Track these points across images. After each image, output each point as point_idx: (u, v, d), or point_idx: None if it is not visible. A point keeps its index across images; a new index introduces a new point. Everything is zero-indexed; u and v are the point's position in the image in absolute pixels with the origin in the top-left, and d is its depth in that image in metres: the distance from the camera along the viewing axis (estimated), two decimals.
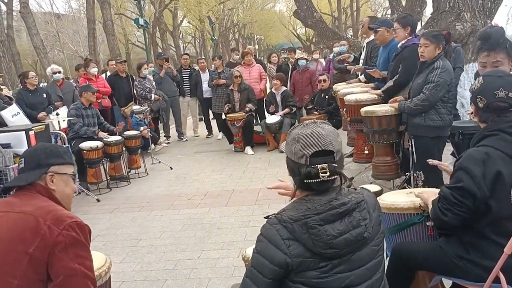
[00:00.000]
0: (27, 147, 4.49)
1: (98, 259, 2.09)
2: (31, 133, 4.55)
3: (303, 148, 1.50)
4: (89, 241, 1.71)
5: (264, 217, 1.59)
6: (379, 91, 4.49)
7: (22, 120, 6.13)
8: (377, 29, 4.72)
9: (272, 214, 1.55)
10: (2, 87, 7.45)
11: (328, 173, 1.47)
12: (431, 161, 2.53)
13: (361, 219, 1.51)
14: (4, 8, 20.54)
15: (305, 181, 1.50)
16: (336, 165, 1.51)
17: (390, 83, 4.38)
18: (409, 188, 4.18)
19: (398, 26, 4.24)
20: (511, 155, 1.95)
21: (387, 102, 4.38)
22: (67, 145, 5.22)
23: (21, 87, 7.02)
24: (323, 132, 1.51)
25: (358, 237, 1.49)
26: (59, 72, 7.52)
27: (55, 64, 9.21)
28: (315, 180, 1.48)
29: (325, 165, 1.47)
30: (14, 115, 6.15)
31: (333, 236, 1.46)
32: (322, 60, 9.38)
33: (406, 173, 4.37)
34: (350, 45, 13.12)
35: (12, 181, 1.90)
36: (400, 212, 2.37)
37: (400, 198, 2.46)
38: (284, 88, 7.84)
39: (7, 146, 4.34)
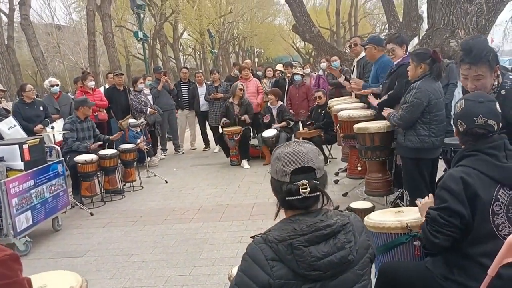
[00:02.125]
0: (20, 161, 4.50)
1: (72, 281, 2.06)
2: (25, 146, 4.56)
3: (284, 165, 1.52)
4: (21, 272, 1.50)
5: (251, 237, 1.60)
6: (375, 101, 4.50)
7: (18, 132, 6.16)
8: (366, 46, 4.78)
9: (258, 234, 1.56)
10: (1, 99, 7.49)
11: (308, 189, 1.48)
12: (418, 202, 2.44)
13: (346, 241, 1.51)
14: (5, 19, 20.71)
15: (287, 198, 1.51)
16: (318, 182, 1.52)
17: (384, 97, 4.41)
18: (402, 204, 4.19)
19: (395, 46, 4.27)
20: (489, 175, 1.98)
21: (380, 117, 4.41)
22: (61, 158, 5.22)
23: (18, 99, 7.06)
24: (303, 149, 1.54)
25: (342, 260, 1.49)
26: (57, 85, 7.56)
27: (55, 76, 9.28)
28: (296, 197, 1.49)
29: (305, 181, 1.49)
30: (10, 127, 6.18)
31: (317, 258, 1.45)
32: (315, 74, 9.43)
33: (399, 190, 4.38)
34: (348, 60, 13.23)
35: None
36: (387, 232, 2.38)
37: (388, 217, 2.46)
38: (280, 102, 7.88)
39: (0, 159, 4.35)
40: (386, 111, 4.06)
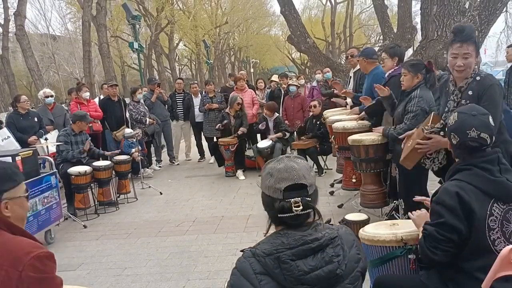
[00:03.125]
0: None
1: None
2: (18, 158, 4.52)
3: (277, 182, 1.51)
4: (54, 270, 1.61)
5: (240, 250, 1.58)
6: (361, 113, 4.54)
7: (12, 144, 6.12)
8: (358, 59, 4.83)
9: (247, 248, 1.54)
10: None
11: (301, 207, 1.48)
12: (416, 198, 2.54)
13: (334, 255, 1.50)
14: (0, 30, 20.70)
15: (279, 215, 1.50)
16: (310, 199, 1.52)
17: (372, 102, 4.45)
18: (398, 216, 4.18)
19: (386, 56, 4.33)
20: (484, 189, 1.99)
21: (373, 124, 4.43)
22: (54, 170, 5.17)
23: (13, 110, 7.03)
24: (296, 166, 1.54)
25: (330, 274, 1.47)
26: (51, 96, 7.55)
27: (50, 86, 9.26)
28: (289, 215, 1.48)
29: (298, 199, 1.48)
30: (4, 139, 6.14)
31: (305, 272, 1.44)
32: (309, 85, 9.48)
33: (394, 201, 4.37)
34: (343, 71, 13.31)
35: None
36: (382, 245, 2.36)
37: (382, 230, 2.45)
38: (276, 114, 7.90)
39: None
40: (378, 129, 4.10)
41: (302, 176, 1.52)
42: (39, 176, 4.78)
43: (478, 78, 2.76)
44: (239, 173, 7.59)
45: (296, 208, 1.48)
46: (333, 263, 1.48)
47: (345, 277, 1.51)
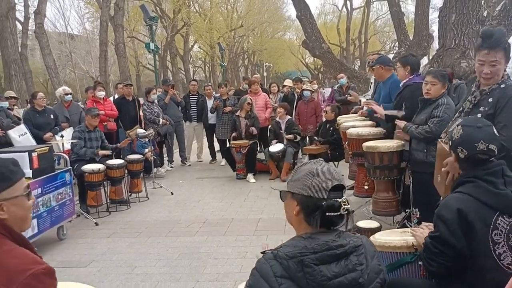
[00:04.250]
0: (29, 169, 4.52)
1: None
2: (34, 154, 4.58)
3: (323, 181, 1.53)
4: (54, 284, 1.49)
5: (261, 252, 1.58)
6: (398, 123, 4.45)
7: (28, 140, 6.21)
8: (373, 67, 4.80)
9: (269, 249, 1.54)
10: (13, 106, 7.59)
11: (348, 206, 1.52)
12: (410, 230, 2.42)
13: (358, 263, 1.49)
14: (19, 27, 21.06)
15: (327, 214, 1.51)
16: None
17: (396, 112, 4.38)
18: (409, 225, 4.14)
19: (399, 65, 4.31)
20: (488, 202, 1.95)
21: (391, 135, 4.38)
22: (69, 167, 5.24)
23: (30, 107, 7.14)
24: (335, 169, 1.61)
25: (353, 282, 1.46)
26: (70, 93, 7.66)
27: (66, 84, 9.40)
28: (336, 214, 1.51)
29: (345, 199, 1.53)
30: (21, 135, 6.23)
31: (328, 278, 1.43)
32: (323, 90, 9.46)
33: (407, 210, 4.33)
34: (357, 77, 13.27)
35: None
36: (392, 251, 2.34)
37: (394, 236, 2.43)
38: (288, 117, 7.89)
39: None
40: (401, 123, 4.01)
41: (342, 179, 1.59)
42: (54, 173, 4.84)
43: (503, 85, 2.68)
44: (250, 176, 7.59)
45: (345, 207, 1.51)
46: (356, 271, 1.48)
47: (366, 287, 1.50)
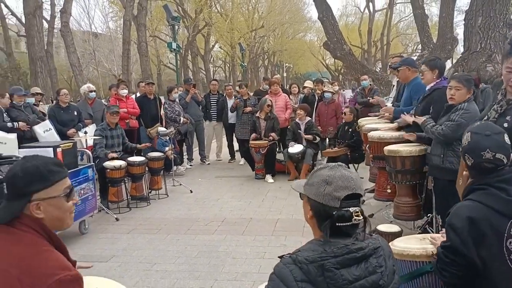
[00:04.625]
0: None
1: None
2: (59, 150, 4.67)
3: (335, 190, 1.49)
4: None
5: (278, 256, 1.57)
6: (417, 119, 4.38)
7: (53, 136, 6.34)
8: (399, 68, 4.72)
9: (286, 254, 1.54)
10: (39, 102, 7.76)
11: (361, 217, 1.48)
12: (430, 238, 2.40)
13: (378, 265, 1.48)
14: (46, 25, 21.51)
15: (337, 224, 1.48)
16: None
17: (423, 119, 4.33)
18: (431, 230, 4.08)
19: (426, 68, 4.22)
20: (500, 210, 1.90)
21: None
22: (92, 163, 5.33)
23: (54, 103, 7.29)
24: (352, 175, 1.54)
25: (374, 285, 1.45)
26: (94, 91, 7.80)
27: (89, 82, 9.58)
28: (347, 224, 1.48)
29: (357, 209, 1.49)
30: (46, 130, 6.37)
31: (349, 281, 1.42)
32: (344, 92, 9.39)
33: (428, 215, 4.26)
34: (378, 79, 13.13)
35: None
36: (412, 260, 2.30)
37: (413, 244, 2.38)
38: (308, 118, 7.85)
39: None
40: (419, 119, 3.96)
41: (359, 187, 1.53)
42: (77, 168, 4.93)
43: None
44: (268, 176, 7.59)
45: (357, 218, 1.47)
46: (377, 274, 1.47)
47: None
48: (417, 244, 2.34)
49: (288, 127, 8.09)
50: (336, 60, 33.57)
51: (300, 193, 1.65)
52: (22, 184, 1.49)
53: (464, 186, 2.73)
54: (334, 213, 1.48)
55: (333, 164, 1.60)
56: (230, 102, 9.00)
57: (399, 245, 2.38)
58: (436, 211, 3.95)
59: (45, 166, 1.53)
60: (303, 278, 1.43)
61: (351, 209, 1.48)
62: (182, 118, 8.13)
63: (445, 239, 2.23)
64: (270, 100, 7.88)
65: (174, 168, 7.45)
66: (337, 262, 1.43)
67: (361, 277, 1.44)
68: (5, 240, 1.47)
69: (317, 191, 1.53)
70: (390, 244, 2.44)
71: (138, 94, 9.03)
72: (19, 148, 5.13)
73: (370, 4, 36.35)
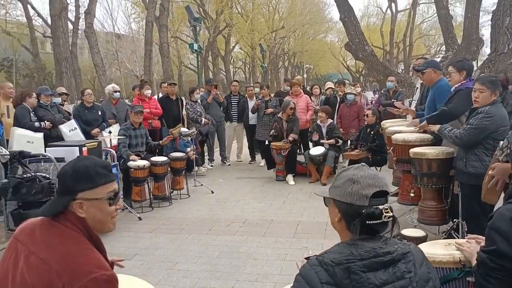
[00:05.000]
0: None
1: None
2: (84, 149, 4.77)
3: (363, 188, 1.49)
4: None
5: (305, 258, 1.56)
6: (424, 123, 4.34)
7: (78, 135, 6.46)
8: (424, 71, 4.65)
9: (313, 255, 1.53)
10: (64, 102, 7.91)
11: (390, 214, 1.47)
12: (469, 237, 2.30)
13: (406, 271, 1.45)
14: (70, 27, 21.95)
15: (367, 222, 1.47)
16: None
17: (437, 111, 4.28)
18: (456, 236, 4.00)
19: (453, 70, 4.14)
20: None
21: (439, 142, 4.26)
22: (116, 162, 5.41)
23: (79, 103, 7.43)
24: (377, 174, 1.54)
25: None
26: (118, 91, 7.92)
27: (111, 82, 9.74)
28: (377, 221, 1.47)
29: (387, 205, 1.48)
30: (71, 130, 6.49)
31: (376, 286, 1.40)
32: (365, 93, 9.29)
33: (454, 220, 4.18)
34: (401, 81, 12.95)
35: (44, 207, 1.59)
36: (438, 266, 2.25)
37: (438, 250, 2.34)
38: (330, 120, 7.80)
39: (61, 160, 4.57)
40: (434, 127, 3.92)
41: (385, 184, 1.53)
42: None
43: None
44: (289, 178, 7.57)
45: (387, 215, 1.47)
46: (405, 279, 1.44)
47: None
48: (443, 250, 2.29)
49: (310, 129, 8.05)
50: (357, 61, 33.30)
51: (324, 199, 1.64)
52: (70, 182, 1.55)
53: (487, 185, 2.77)
54: (363, 211, 1.47)
55: (357, 165, 1.59)
56: (251, 103, 9.02)
57: (424, 250, 2.33)
58: (462, 217, 3.87)
59: (94, 168, 1.58)
60: (329, 280, 1.41)
61: (380, 207, 1.47)
62: (203, 119, 8.19)
63: (472, 245, 2.18)
64: (294, 103, 7.85)
65: (196, 168, 7.50)
66: (364, 265, 1.41)
67: (388, 281, 1.41)
68: (49, 233, 1.53)
69: (344, 192, 1.52)
70: None
71: (160, 95, 9.13)
72: (46, 147, 5.26)
73: (393, 4, 35.93)
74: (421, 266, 1.51)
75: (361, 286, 1.39)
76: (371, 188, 1.49)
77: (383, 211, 1.46)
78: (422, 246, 2.45)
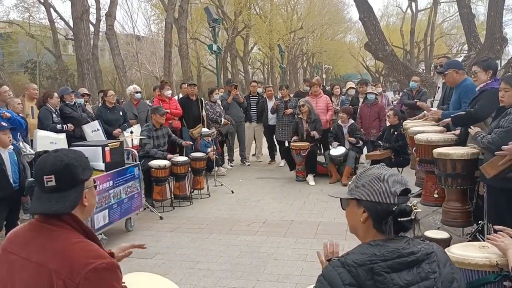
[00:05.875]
0: (102, 162, 4.77)
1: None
2: (107, 149, 4.83)
3: (392, 186, 1.48)
4: (114, 281, 1.49)
5: (326, 259, 1.55)
6: (456, 132, 4.28)
7: (100, 136, 6.57)
8: (446, 72, 4.56)
9: (335, 257, 1.51)
10: (86, 103, 8.04)
11: (419, 209, 1.47)
12: (497, 227, 2.29)
13: (431, 271, 1.43)
14: (92, 29, 22.32)
15: (399, 219, 1.46)
16: None
17: (461, 112, 4.20)
18: (481, 238, 3.91)
19: (479, 69, 4.05)
20: None
21: (464, 142, 4.17)
22: (138, 162, 5.48)
23: (101, 104, 7.54)
24: (397, 172, 1.59)
25: None
26: (139, 92, 8.02)
27: (132, 84, 9.86)
28: (408, 218, 1.46)
29: (415, 201, 1.49)
30: (93, 130, 6.60)
31: (400, 286, 1.38)
32: (387, 94, 9.17)
33: (479, 222, 4.09)
34: (422, 81, 12.76)
35: (58, 206, 1.51)
36: (473, 269, 2.21)
37: (473, 252, 2.28)
38: (351, 121, 7.73)
39: None
40: (472, 130, 3.83)
41: (406, 182, 1.54)
42: (124, 167, 5.08)
43: None
44: (310, 178, 7.53)
45: (416, 210, 1.47)
46: (430, 280, 1.42)
47: None
48: (478, 253, 2.24)
49: (331, 129, 8.00)
50: (376, 61, 32.94)
51: (341, 201, 1.62)
52: (79, 170, 1.54)
53: (499, 162, 2.93)
54: (393, 209, 1.46)
55: (377, 165, 1.59)
56: (271, 104, 9.01)
57: (458, 252, 2.29)
58: (488, 220, 3.78)
59: (86, 157, 1.62)
60: (352, 281, 1.40)
61: (409, 203, 1.48)
62: (222, 119, 8.22)
63: (505, 238, 2.12)
64: (303, 102, 7.80)
65: (216, 168, 7.54)
66: (388, 266, 1.39)
67: (412, 282, 1.39)
68: (39, 236, 1.51)
69: (371, 191, 1.50)
70: (446, 250, 2.36)
71: (180, 95, 9.20)
72: (69, 146, 5.35)
73: (413, 4, 35.42)
74: (445, 267, 1.49)
75: (385, 287, 1.38)
76: (399, 186, 1.49)
77: (413, 207, 1.47)
78: (454, 248, 2.40)
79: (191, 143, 7.02)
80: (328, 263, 1.53)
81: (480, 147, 3.71)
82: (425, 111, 5.72)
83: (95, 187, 1.67)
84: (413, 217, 1.47)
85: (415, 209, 1.47)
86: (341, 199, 1.62)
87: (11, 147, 4.50)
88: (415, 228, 1.51)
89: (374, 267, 1.39)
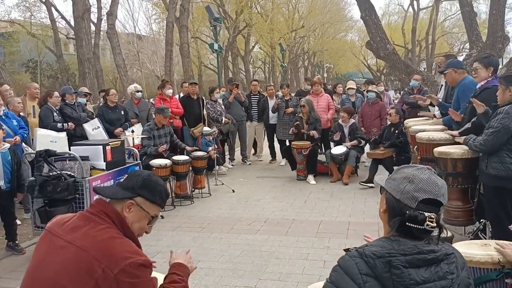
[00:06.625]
0: (103, 161, 4.77)
1: None
2: (108, 148, 4.82)
3: (416, 190, 1.46)
4: (148, 274, 1.66)
5: (344, 249, 1.55)
6: (455, 132, 4.28)
7: (101, 134, 6.57)
8: (445, 72, 4.55)
9: (353, 247, 1.51)
10: (87, 102, 8.05)
11: (434, 224, 1.43)
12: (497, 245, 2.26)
13: (449, 272, 1.43)
14: (93, 28, 22.33)
15: (407, 223, 1.45)
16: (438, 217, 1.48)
17: (468, 125, 4.18)
18: (483, 237, 3.90)
19: (480, 66, 4.04)
20: None
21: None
22: (138, 161, 5.47)
23: (102, 103, 7.54)
24: (438, 182, 1.50)
25: None
26: (140, 91, 8.02)
27: (133, 83, 9.86)
28: (417, 227, 1.44)
29: (433, 215, 1.44)
30: (94, 128, 6.61)
31: (416, 282, 1.38)
32: (388, 93, 9.15)
33: (481, 220, 4.08)
34: (423, 79, 12.73)
35: (104, 189, 1.87)
36: (475, 266, 2.21)
37: (475, 250, 2.29)
38: (352, 120, 7.72)
39: (85, 158, 4.63)
40: (460, 139, 3.86)
41: (442, 194, 1.48)
42: (125, 166, 5.07)
43: None
44: (310, 177, 7.53)
45: (431, 224, 1.43)
46: (447, 280, 1.42)
47: None
48: (480, 251, 2.25)
49: (331, 128, 7.99)
50: (378, 60, 32.87)
51: (381, 187, 1.62)
52: (140, 183, 1.78)
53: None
54: (407, 212, 1.45)
55: (422, 166, 1.57)
56: (272, 103, 9.01)
57: (460, 250, 2.27)
58: (487, 219, 3.78)
59: (162, 189, 1.87)
60: (369, 272, 1.40)
61: (426, 214, 1.43)
62: (223, 118, 8.21)
63: None
64: (303, 100, 7.79)
65: (217, 167, 7.54)
66: (406, 261, 1.39)
67: (429, 280, 1.39)
68: (86, 225, 1.68)
69: (396, 187, 1.50)
70: None
71: (181, 94, 9.20)
72: (71, 145, 5.36)
73: (414, 2, 35.38)
74: (463, 270, 1.49)
75: (401, 281, 1.37)
76: (423, 193, 1.45)
77: (427, 219, 1.43)
78: (457, 246, 2.40)
79: (196, 148, 7.02)
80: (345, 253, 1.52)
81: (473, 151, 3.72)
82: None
83: (151, 219, 1.83)
84: (427, 228, 1.43)
85: (430, 221, 1.43)
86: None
87: (5, 146, 4.50)
88: (440, 236, 1.49)
89: (392, 260, 1.39)
